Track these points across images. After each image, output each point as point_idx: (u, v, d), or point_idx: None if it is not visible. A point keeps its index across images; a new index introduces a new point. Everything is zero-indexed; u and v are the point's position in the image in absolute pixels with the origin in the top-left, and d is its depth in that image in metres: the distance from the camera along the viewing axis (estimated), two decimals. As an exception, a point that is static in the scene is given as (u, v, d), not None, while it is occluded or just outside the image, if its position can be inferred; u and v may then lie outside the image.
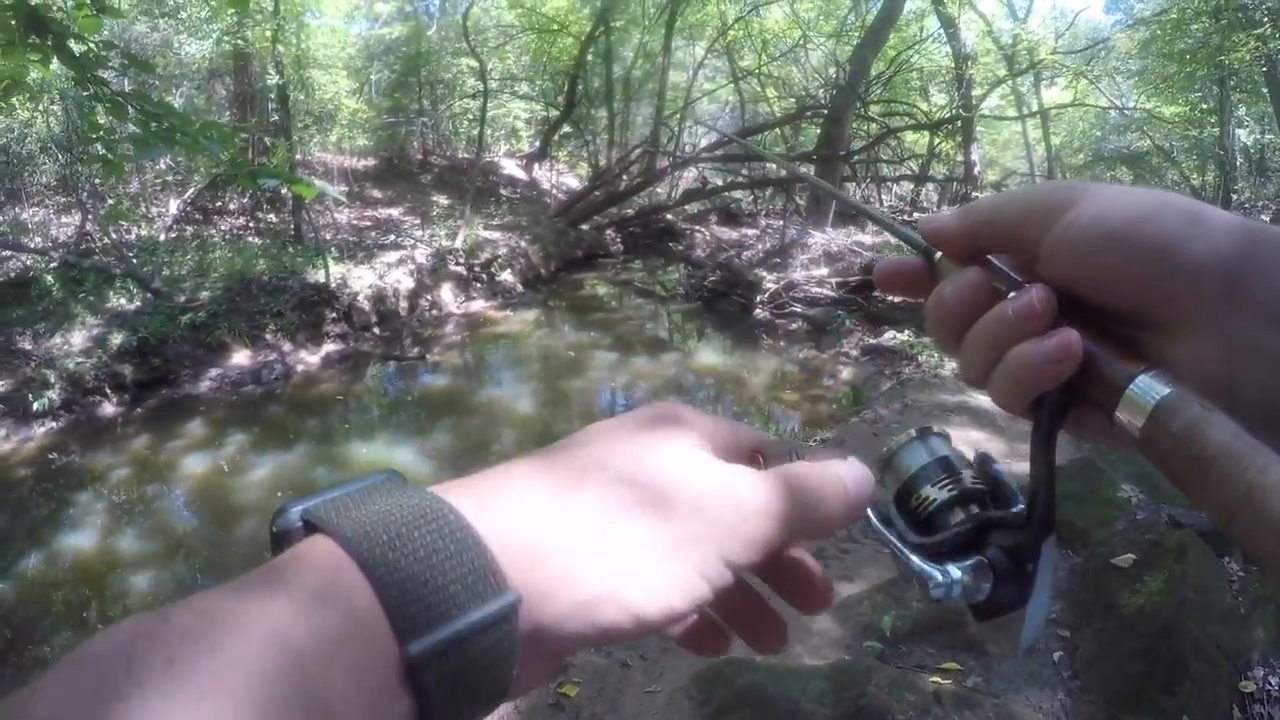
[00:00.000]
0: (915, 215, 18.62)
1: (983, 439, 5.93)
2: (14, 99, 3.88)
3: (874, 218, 0.60)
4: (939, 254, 0.47)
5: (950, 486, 0.46)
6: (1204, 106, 17.04)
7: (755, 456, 0.44)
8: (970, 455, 0.49)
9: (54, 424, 8.01)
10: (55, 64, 3.22)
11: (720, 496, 0.37)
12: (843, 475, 0.42)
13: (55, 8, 3.52)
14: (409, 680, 0.28)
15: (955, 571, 0.43)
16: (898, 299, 12.10)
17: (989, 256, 0.45)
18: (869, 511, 0.46)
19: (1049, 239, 0.41)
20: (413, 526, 0.30)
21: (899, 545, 0.44)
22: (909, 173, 19.92)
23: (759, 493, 0.38)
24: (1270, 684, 2.84)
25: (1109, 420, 0.40)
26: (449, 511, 0.31)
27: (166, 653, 0.24)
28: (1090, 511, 4.26)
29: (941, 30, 18.13)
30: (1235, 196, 16.51)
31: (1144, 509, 4.25)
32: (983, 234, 0.45)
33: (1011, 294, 0.42)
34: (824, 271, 12.96)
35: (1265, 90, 14.85)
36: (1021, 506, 0.45)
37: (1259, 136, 18.51)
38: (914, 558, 0.43)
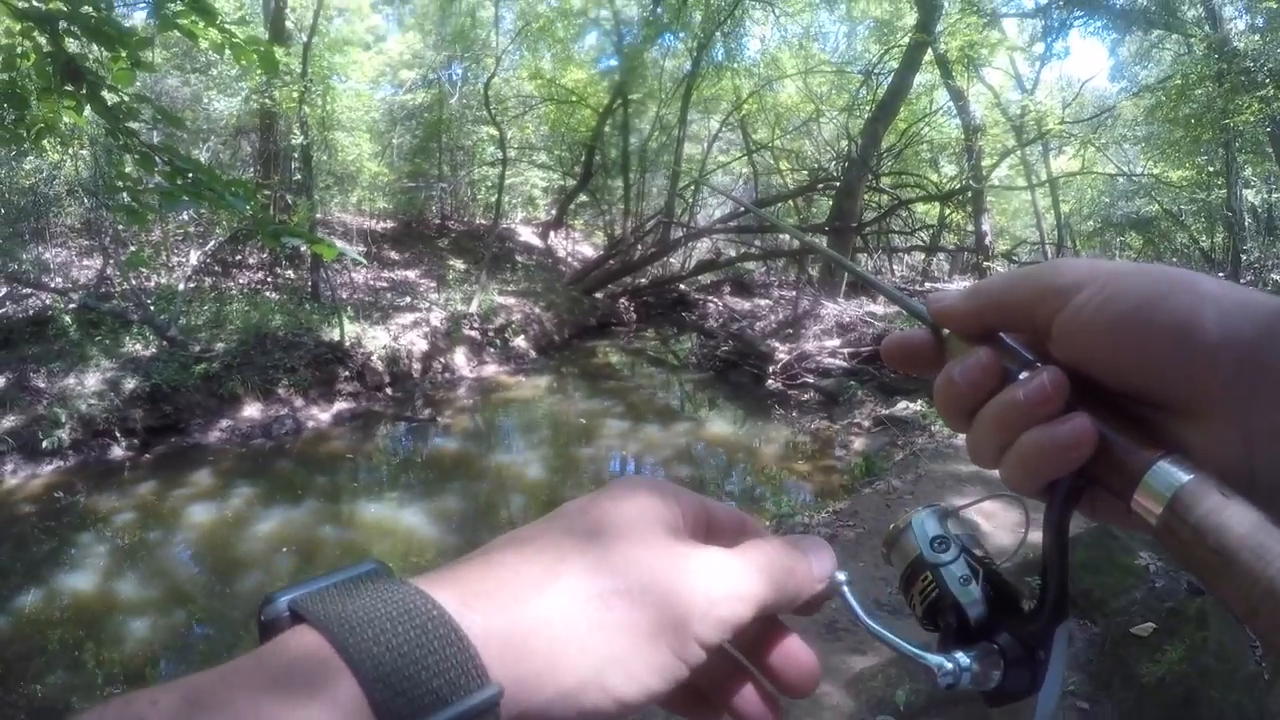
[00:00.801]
0: (927, 285, 18.75)
1: (998, 509, 5.86)
2: (45, 141, 3.95)
3: (883, 290, 0.60)
4: (947, 331, 0.47)
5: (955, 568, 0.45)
6: (1210, 169, 17.11)
7: (726, 533, 0.45)
8: (982, 526, 0.47)
9: (62, 463, 8.02)
10: (88, 111, 3.30)
11: (692, 582, 0.38)
12: (808, 553, 0.44)
13: (92, 58, 3.62)
14: None
15: (964, 659, 0.42)
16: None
17: (1000, 335, 0.44)
18: (852, 603, 0.45)
19: (1061, 320, 0.41)
20: (397, 621, 0.31)
21: (891, 638, 0.44)
22: (920, 243, 20.11)
23: (728, 575, 0.40)
24: (1299, 752, 2.75)
25: (1125, 507, 0.39)
26: (432, 606, 0.32)
27: None
28: (1108, 580, 4.18)
29: (951, 103, 18.46)
30: (1245, 257, 16.60)
31: (1162, 576, 4.17)
32: (991, 314, 0.44)
33: (1023, 374, 0.42)
34: (836, 342, 12.98)
35: (1270, 150, 14.99)
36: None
37: (1266, 196, 18.59)
38: (912, 649, 0.43)
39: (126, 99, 3.25)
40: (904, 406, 10.02)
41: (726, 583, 0.39)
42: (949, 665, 0.42)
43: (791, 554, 0.43)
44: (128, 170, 4.03)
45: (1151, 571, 4.22)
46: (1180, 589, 3.94)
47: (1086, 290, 0.40)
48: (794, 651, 0.44)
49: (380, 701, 0.28)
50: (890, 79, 15.91)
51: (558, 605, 0.35)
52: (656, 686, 0.36)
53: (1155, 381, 0.38)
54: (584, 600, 0.35)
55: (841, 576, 0.45)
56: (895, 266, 21.08)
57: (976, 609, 0.44)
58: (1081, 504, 0.42)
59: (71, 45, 3.47)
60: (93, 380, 8.87)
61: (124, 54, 3.20)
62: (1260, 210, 18.80)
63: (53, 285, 10.56)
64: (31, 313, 10.05)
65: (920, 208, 19.21)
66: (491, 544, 0.38)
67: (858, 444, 9.60)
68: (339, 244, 3.42)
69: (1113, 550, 4.41)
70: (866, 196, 16.67)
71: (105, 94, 3.15)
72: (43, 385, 8.59)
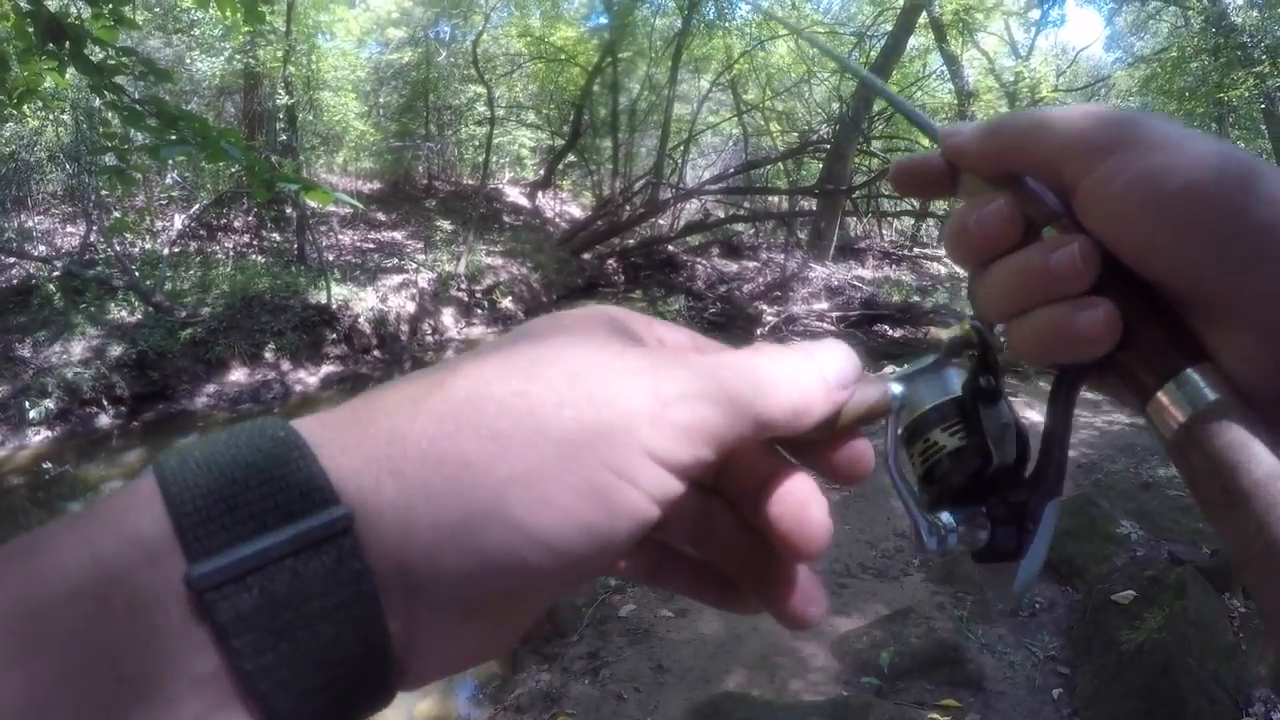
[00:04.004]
0: (915, 250, 18.74)
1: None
2: (26, 106, 3.89)
3: (897, 104, 0.57)
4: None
5: (961, 434, 0.41)
6: (1203, 144, 17.13)
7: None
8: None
9: (49, 432, 7.99)
10: (70, 72, 3.25)
11: (633, 376, 0.28)
12: (816, 354, 0.34)
13: (74, 15, 3.55)
14: (205, 619, 0.22)
15: (950, 520, 0.40)
16: (897, 334, 12.17)
17: (1023, 179, 0.39)
18: (893, 433, 0.41)
19: (1089, 184, 0.35)
20: (233, 448, 0.25)
21: (906, 490, 0.40)
22: (910, 208, 20.04)
23: (687, 370, 0.29)
24: (1272, 719, 2.81)
25: (1139, 403, 0.36)
26: (280, 428, 0.25)
27: None
28: (1089, 548, 4.24)
29: (944, 67, 18.35)
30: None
31: (1144, 545, 4.24)
32: (1011, 158, 0.39)
33: (1047, 229, 0.37)
34: (824, 305, 13.01)
35: (1264, 127, 14.99)
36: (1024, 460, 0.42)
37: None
38: (914, 506, 0.40)
39: (112, 52, 3.19)
40: (892, 371, 10.03)
41: (683, 378, 0.29)
42: (937, 524, 0.40)
43: (789, 354, 0.33)
44: (114, 129, 3.97)
45: (1133, 540, 4.29)
46: (1161, 557, 4.01)
47: (1124, 155, 0.35)
48: (801, 498, 0.32)
49: (187, 528, 0.23)
50: (884, 41, 15.78)
51: (435, 415, 0.26)
52: (596, 518, 0.26)
53: (1190, 279, 0.34)
54: (476, 408, 0.26)
55: (898, 390, 0.39)
56: (884, 231, 21.07)
57: (970, 469, 0.41)
58: (1090, 379, 0.40)
59: (52, 4, 3.41)
60: (78, 348, 8.82)
61: (106, 10, 3.14)
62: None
63: (36, 253, 10.45)
64: (15, 282, 9.93)
65: (911, 172, 19.13)
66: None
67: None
68: (336, 193, 3.40)
69: (1095, 518, 4.48)
70: (857, 160, 16.59)
71: (90, 49, 3.09)
72: (28, 355, 8.53)
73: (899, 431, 0.42)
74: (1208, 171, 0.33)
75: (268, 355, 10.00)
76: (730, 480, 0.35)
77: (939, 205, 19.81)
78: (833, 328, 12.19)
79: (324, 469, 0.24)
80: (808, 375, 0.33)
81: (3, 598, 0.21)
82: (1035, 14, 18.79)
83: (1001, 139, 0.39)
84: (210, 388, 9.35)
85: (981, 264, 0.40)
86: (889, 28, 16.08)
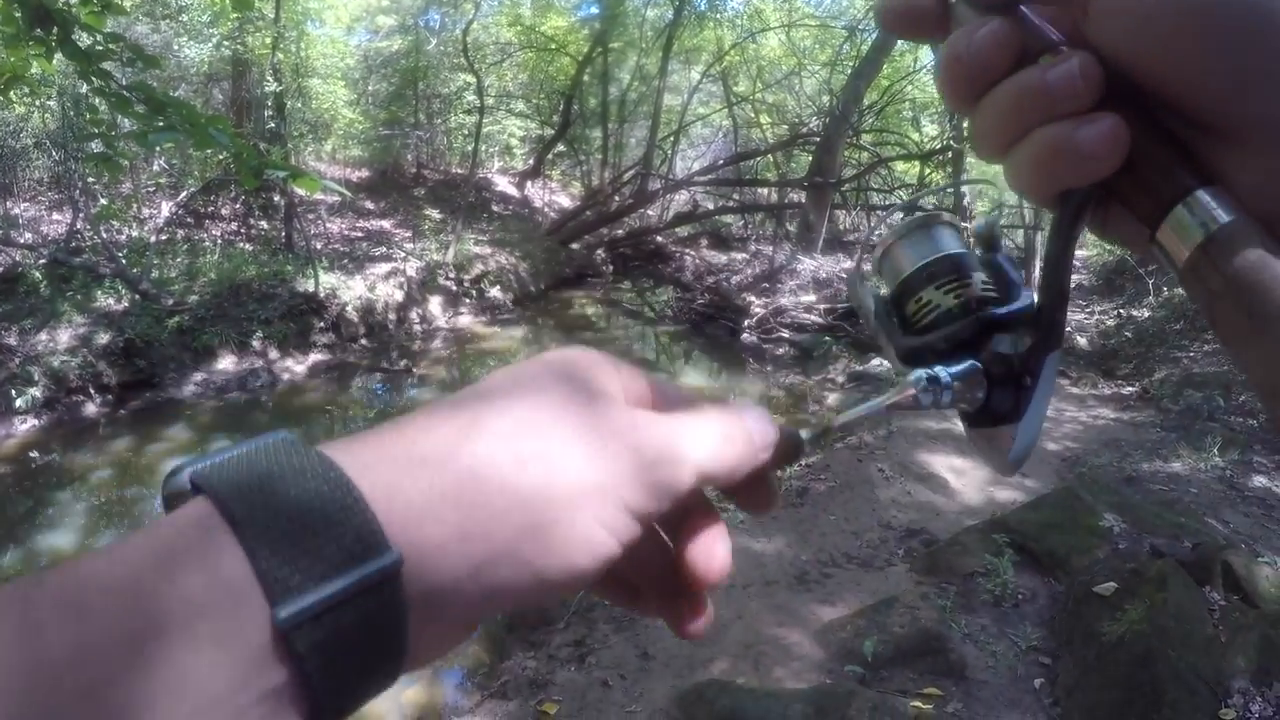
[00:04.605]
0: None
1: (968, 467, 5.97)
2: (12, 93, 3.86)
3: None
4: None
5: (956, 290, 0.41)
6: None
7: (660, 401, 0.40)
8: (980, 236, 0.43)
9: (36, 421, 7.94)
10: (58, 58, 3.23)
11: (622, 440, 0.34)
12: (747, 420, 0.38)
13: (60, 4, 3.53)
14: (282, 648, 0.26)
15: (945, 374, 0.38)
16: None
17: (1021, 6, 0.37)
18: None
19: None
20: (290, 484, 0.28)
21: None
22: (899, 202, 20.07)
23: (662, 434, 0.35)
24: (1251, 711, 2.85)
25: (1147, 235, 0.34)
26: (329, 468, 0.29)
27: (37, 617, 0.24)
28: (1072, 539, 4.29)
29: (935, 61, 18.32)
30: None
31: (1126, 538, 4.28)
32: None
33: (1044, 58, 0.35)
34: (812, 298, 13.04)
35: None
36: (1025, 303, 0.40)
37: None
38: (896, 357, 0.40)
39: (100, 38, 3.17)
40: (878, 363, 10.10)
41: (661, 443, 0.34)
42: (928, 380, 0.38)
43: (729, 418, 0.38)
44: (101, 115, 3.94)
45: (1115, 533, 4.33)
46: (1142, 550, 4.06)
47: None
48: (713, 541, 0.38)
49: (266, 570, 0.26)
50: (874, 35, 15.78)
51: (469, 467, 0.31)
52: (581, 562, 0.32)
53: (1209, 95, 0.32)
54: (498, 462, 0.31)
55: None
56: (873, 224, 21.09)
57: (961, 325, 0.40)
58: (1092, 219, 0.37)
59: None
60: (65, 336, 8.76)
61: (94, -1, 3.12)
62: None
63: (21, 241, 10.37)
64: (1, 270, 9.87)
65: (900, 166, 19.15)
66: (413, 413, 0.34)
67: (831, 399, 9.70)
68: (325, 181, 3.39)
69: (1077, 511, 4.52)
70: (846, 153, 16.61)
71: (78, 36, 3.07)
72: (14, 343, 8.45)
73: (880, 296, 0.42)
74: None
75: (255, 343, 9.96)
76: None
77: (928, 201, 19.88)
78: (820, 319, 12.22)
79: (374, 515, 0.28)
80: (741, 441, 0.38)
81: (105, 625, 0.24)
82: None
83: None
84: (198, 376, 9.31)
85: (976, 98, 0.37)
86: (880, 21, 16.04)
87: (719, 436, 0.37)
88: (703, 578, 0.38)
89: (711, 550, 0.38)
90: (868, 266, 0.45)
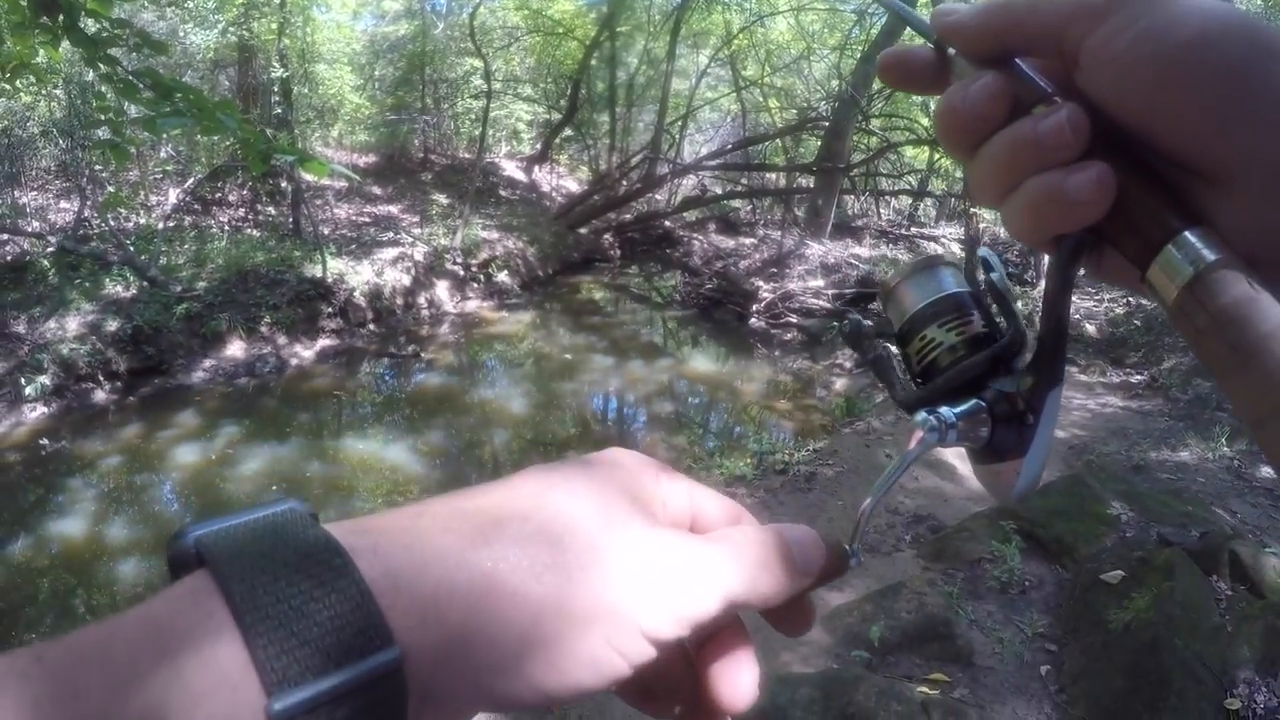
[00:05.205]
0: (913, 230, 18.71)
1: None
2: (19, 81, 3.87)
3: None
4: (953, 50, 0.40)
5: (958, 329, 0.42)
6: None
7: (714, 526, 0.39)
8: (981, 273, 0.44)
9: (46, 409, 7.99)
10: (64, 46, 3.22)
11: (646, 563, 0.33)
12: (790, 543, 0.37)
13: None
14: None
15: (950, 415, 0.40)
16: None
17: (1015, 59, 0.38)
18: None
19: (1091, 45, 0.35)
20: (295, 569, 0.28)
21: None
22: (908, 187, 19.99)
23: (692, 561, 0.34)
24: (1256, 701, 2.85)
25: (1138, 275, 0.35)
26: (337, 556, 0.28)
27: (34, 693, 0.24)
28: (1080, 527, 4.28)
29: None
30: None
31: (1133, 527, 4.28)
32: (1011, 34, 0.38)
33: (1037, 108, 0.36)
34: (820, 283, 13.01)
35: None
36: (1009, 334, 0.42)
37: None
38: (906, 399, 0.41)
39: (107, 25, 3.17)
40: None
41: (688, 571, 0.34)
42: (935, 420, 0.39)
43: (771, 542, 0.37)
44: (108, 102, 3.94)
45: (1123, 521, 4.33)
46: (1150, 539, 4.05)
47: (1128, 11, 0.34)
48: (740, 668, 0.37)
49: (263, 660, 0.26)
50: (884, 19, 15.66)
51: (481, 570, 0.30)
52: (587, 682, 0.31)
53: (1192, 139, 0.33)
54: (510, 570, 0.30)
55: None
56: (882, 210, 21.01)
57: (965, 367, 0.41)
58: (1087, 261, 0.39)
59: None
60: (74, 324, 8.81)
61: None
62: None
63: (29, 230, 10.41)
64: (9, 258, 9.90)
65: (909, 151, 19.04)
66: (436, 498, 0.34)
67: (839, 385, 9.70)
68: (334, 165, 3.38)
69: (1085, 499, 4.51)
70: (855, 138, 16.52)
71: (84, 22, 3.07)
72: (23, 331, 8.52)
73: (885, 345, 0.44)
74: (1216, 25, 0.33)
75: (263, 329, 10.00)
76: None
77: (937, 185, 19.80)
78: (829, 305, 12.20)
79: (380, 610, 0.28)
80: (781, 568, 0.37)
81: (102, 708, 0.24)
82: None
83: (1001, 13, 0.38)
84: (206, 362, 9.35)
85: (973, 147, 0.39)
86: (890, 4, 15.92)
87: (755, 564, 0.36)
88: (726, 707, 0.37)
89: (737, 678, 0.37)
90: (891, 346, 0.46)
